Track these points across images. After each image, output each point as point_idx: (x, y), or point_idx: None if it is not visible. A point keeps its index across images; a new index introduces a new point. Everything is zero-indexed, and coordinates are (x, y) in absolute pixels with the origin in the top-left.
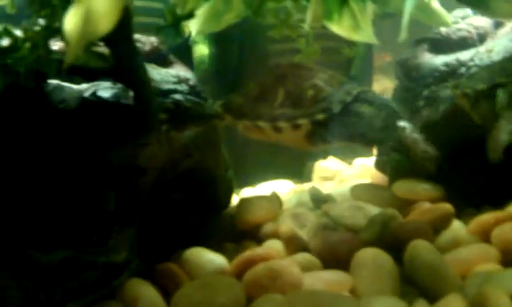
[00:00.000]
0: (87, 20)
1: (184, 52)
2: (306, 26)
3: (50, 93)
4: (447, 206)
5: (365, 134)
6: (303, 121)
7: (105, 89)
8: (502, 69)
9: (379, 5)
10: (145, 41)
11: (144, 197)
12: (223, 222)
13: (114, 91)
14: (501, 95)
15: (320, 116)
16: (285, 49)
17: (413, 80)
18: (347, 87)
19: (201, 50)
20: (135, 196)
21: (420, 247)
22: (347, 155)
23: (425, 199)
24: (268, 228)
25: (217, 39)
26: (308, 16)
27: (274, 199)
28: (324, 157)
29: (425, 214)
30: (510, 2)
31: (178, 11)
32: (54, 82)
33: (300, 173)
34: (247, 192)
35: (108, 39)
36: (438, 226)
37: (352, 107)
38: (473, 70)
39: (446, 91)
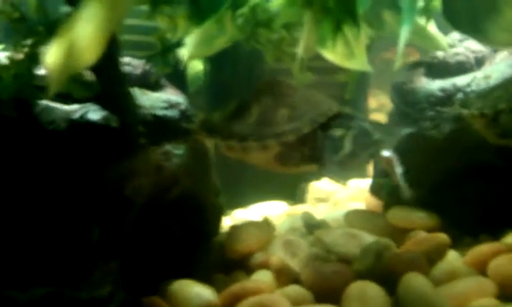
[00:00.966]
0: (69, 53)
1: (177, 71)
2: (299, 53)
3: (39, 114)
4: (443, 236)
5: (332, 159)
6: (271, 142)
7: (95, 112)
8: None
9: (374, 29)
10: (136, 64)
11: (129, 228)
12: (213, 250)
13: (103, 113)
14: None
15: (289, 137)
16: (281, 68)
17: (408, 105)
18: (323, 108)
19: (196, 66)
20: (120, 227)
21: (414, 281)
22: (341, 176)
23: (421, 227)
24: (258, 257)
25: (212, 56)
26: (301, 45)
27: (265, 225)
28: (318, 178)
29: (421, 244)
30: (508, 31)
31: (169, 36)
32: (43, 103)
33: (294, 193)
34: (239, 214)
35: (94, 67)
36: (434, 256)
37: (325, 130)
38: (471, 96)
39: (451, 112)
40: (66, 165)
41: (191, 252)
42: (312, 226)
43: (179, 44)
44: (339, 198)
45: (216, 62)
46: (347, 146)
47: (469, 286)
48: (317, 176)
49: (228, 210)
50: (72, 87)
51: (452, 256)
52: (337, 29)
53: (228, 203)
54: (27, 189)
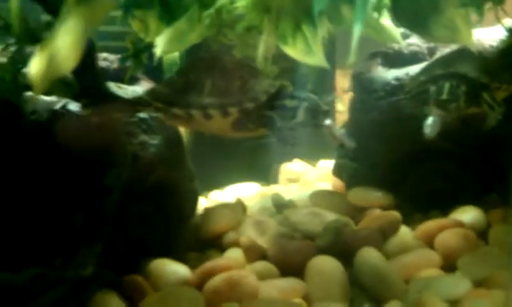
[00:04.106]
0: (51, 61)
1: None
2: (260, 53)
3: (23, 104)
4: (395, 214)
5: (285, 127)
6: (232, 109)
7: (73, 103)
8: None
9: (334, 24)
10: (113, 59)
11: (110, 213)
12: (188, 231)
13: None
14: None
15: (248, 105)
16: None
17: (366, 93)
18: (268, 81)
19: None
20: (101, 213)
21: (368, 255)
22: (313, 157)
23: (377, 206)
24: (230, 236)
25: None
26: (261, 46)
27: (238, 206)
28: (290, 159)
29: (376, 221)
30: (448, 28)
31: (141, 36)
32: (27, 94)
33: (267, 175)
34: (215, 195)
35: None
36: (387, 232)
37: (276, 100)
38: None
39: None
40: (48, 153)
41: (167, 233)
42: (280, 206)
43: (150, 46)
44: (308, 179)
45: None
46: (300, 114)
47: (417, 258)
48: (289, 157)
49: (205, 192)
50: (54, 87)
51: (404, 231)
52: (296, 27)
53: (205, 185)
54: (13, 177)
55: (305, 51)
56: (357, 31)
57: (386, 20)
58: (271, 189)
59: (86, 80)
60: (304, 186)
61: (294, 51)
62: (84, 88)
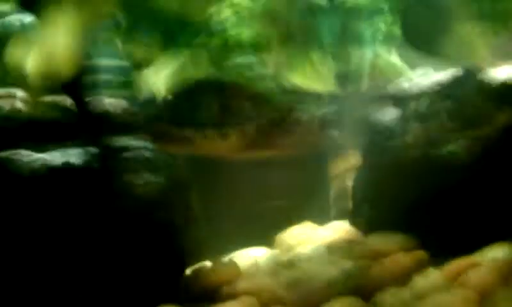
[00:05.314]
0: (48, 62)
1: None
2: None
3: (20, 162)
4: (421, 253)
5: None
6: (249, 127)
7: (77, 156)
8: None
9: (341, 63)
10: (117, 104)
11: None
12: (188, 280)
13: (85, 157)
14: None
15: (264, 123)
16: None
17: (377, 134)
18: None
19: None
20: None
21: (392, 296)
22: (323, 219)
23: (399, 248)
24: (228, 289)
25: None
26: (271, 66)
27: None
28: (299, 222)
29: (399, 262)
30: (460, 46)
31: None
32: (24, 152)
33: (275, 238)
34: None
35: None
36: (412, 272)
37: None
38: None
39: None
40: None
41: (169, 279)
42: (293, 260)
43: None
44: (320, 237)
45: None
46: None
47: (448, 297)
48: (299, 219)
49: (214, 256)
50: (48, 108)
51: (431, 271)
52: (305, 54)
53: (214, 249)
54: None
55: (314, 77)
56: (366, 64)
57: (393, 57)
58: (283, 248)
59: (79, 93)
60: (316, 244)
61: (302, 77)
62: (78, 104)
